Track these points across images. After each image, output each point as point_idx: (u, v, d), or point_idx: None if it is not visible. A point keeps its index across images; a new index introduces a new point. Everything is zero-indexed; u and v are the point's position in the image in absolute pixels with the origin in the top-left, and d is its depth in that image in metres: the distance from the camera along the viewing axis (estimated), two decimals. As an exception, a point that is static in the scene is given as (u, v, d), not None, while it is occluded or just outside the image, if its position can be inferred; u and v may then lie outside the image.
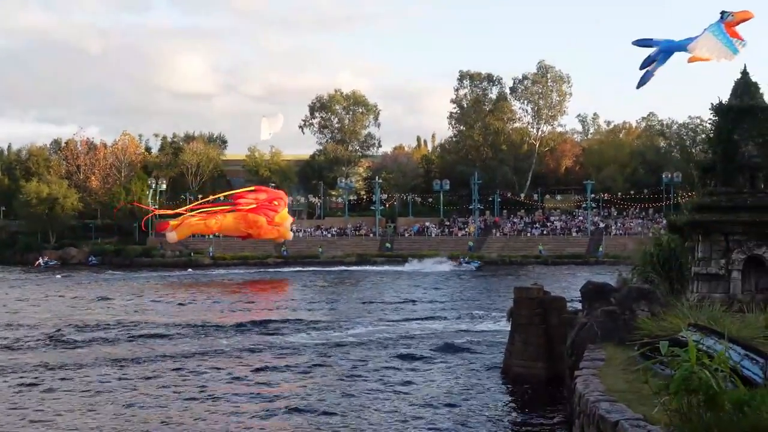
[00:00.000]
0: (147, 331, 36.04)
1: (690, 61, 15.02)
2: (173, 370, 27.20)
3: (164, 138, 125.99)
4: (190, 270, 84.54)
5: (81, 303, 50.32)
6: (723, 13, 13.67)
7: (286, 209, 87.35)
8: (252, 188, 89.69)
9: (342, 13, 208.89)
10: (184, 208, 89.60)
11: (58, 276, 76.20)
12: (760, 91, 26.00)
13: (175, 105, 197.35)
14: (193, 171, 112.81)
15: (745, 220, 23.49)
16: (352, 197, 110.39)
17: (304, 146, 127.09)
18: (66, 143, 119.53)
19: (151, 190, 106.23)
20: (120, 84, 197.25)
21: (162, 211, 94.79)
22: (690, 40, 14.02)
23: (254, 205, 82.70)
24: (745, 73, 25.47)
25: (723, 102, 25.69)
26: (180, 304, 49.55)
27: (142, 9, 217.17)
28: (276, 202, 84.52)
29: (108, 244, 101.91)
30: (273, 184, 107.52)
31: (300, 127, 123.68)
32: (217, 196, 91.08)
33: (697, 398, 9.71)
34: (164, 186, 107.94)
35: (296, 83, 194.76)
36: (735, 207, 23.80)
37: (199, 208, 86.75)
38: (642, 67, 19.95)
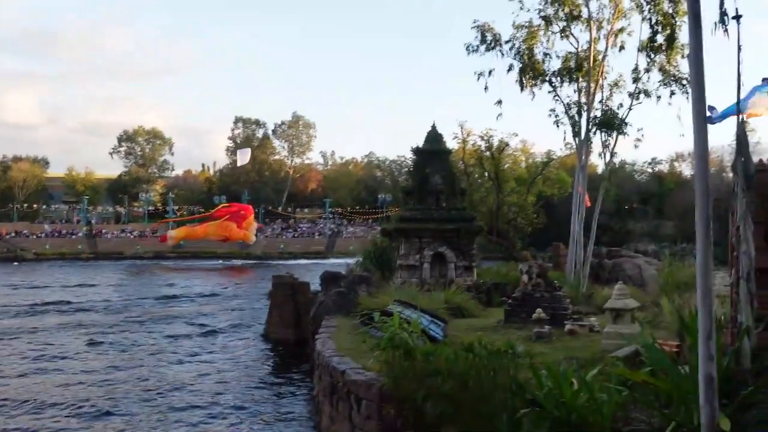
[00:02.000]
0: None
1: (747, 117, 13.57)
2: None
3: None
4: (16, 263, 77.25)
5: None
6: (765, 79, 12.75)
7: (252, 217, 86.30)
8: (228, 204, 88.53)
9: (149, 67, 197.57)
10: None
11: None
12: (443, 139, 27.57)
13: (7, 132, 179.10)
14: (20, 185, 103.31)
15: (433, 228, 24.74)
16: (150, 207, 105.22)
17: (114, 168, 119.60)
18: None
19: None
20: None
21: (170, 220, 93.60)
22: (745, 100, 12.75)
23: (228, 216, 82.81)
24: (434, 126, 26.94)
25: (419, 146, 27.02)
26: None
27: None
28: (243, 212, 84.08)
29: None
30: (87, 197, 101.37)
31: (110, 153, 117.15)
32: (207, 213, 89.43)
33: (399, 352, 10.04)
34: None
35: (109, 119, 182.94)
36: (426, 219, 24.98)
37: (193, 219, 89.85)
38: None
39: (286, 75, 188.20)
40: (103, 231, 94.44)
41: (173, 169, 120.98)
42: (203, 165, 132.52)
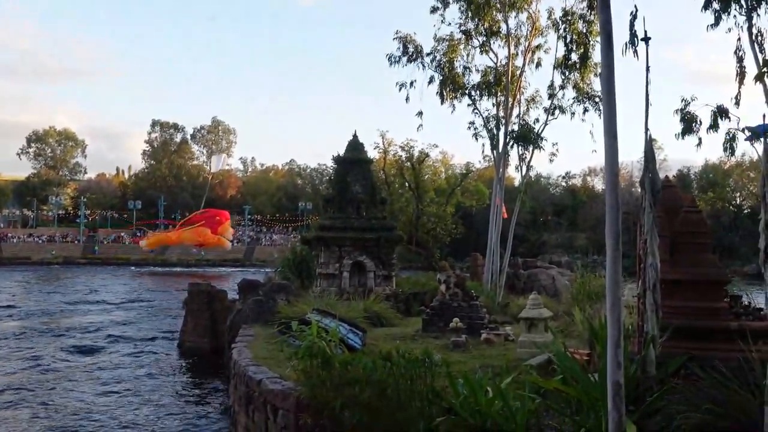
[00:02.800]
0: None
1: None
2: None
3: None
4: None
5: None
6: None
7: (228, 223, 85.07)
8: (204, 210, 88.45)
9: (60, 67, 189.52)
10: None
11: None
12: (365, 149, 27.70)
13: None
14: None
15: (352, 236, 24.79)
16: (61, 211, 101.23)
17: (22, 169, 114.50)
18: None
19: None
20: None
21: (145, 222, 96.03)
22: None
23: (203, 222, 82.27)
24: (355, 135, 27.03)
25: (340, 154, 27.04)
26: None
27: None
28: (218, 218, 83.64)
29: None
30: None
31: (18, 154, 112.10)
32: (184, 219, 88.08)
33: (317, 361, 9.97)
34: None
35: (16, 120, 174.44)
36: (346, 227, 25.01)
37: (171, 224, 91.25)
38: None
39: (206, 79, 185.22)
40: (9, 235, 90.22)
41: (86, 172, 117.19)
42: (118, 168, 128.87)
